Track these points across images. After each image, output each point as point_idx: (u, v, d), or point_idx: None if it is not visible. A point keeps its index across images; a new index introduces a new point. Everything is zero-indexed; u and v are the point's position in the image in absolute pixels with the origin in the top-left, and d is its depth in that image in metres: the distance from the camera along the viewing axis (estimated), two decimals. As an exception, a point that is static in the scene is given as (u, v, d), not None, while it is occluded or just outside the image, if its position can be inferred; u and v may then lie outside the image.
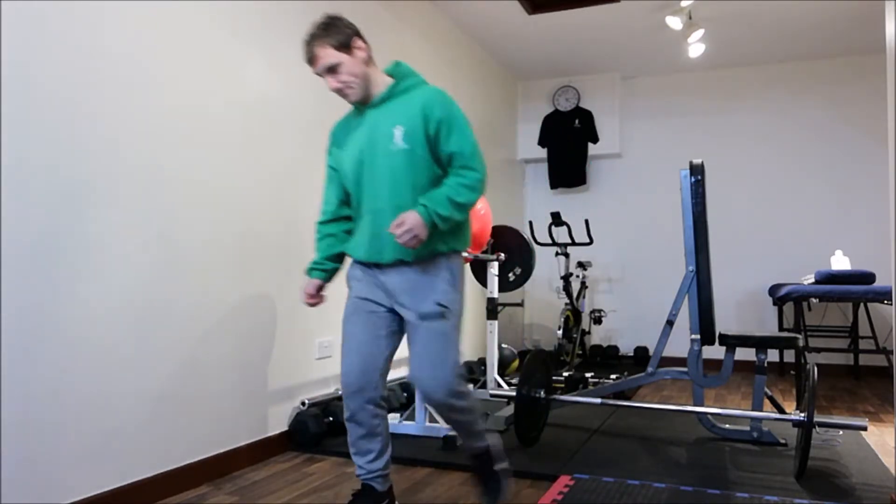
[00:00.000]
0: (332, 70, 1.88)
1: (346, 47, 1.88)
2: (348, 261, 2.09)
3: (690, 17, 4.64)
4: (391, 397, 3.54)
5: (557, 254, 5.34)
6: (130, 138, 2.26)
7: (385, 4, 3.90)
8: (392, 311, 1.98)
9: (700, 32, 4.70)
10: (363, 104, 1.96)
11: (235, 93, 2.74)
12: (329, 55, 1.86)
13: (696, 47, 4.96)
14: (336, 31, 1.87)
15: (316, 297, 2.07)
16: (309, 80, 3.21)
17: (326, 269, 2.07)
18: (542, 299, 6.31)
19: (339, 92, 1.90)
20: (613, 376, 4.40)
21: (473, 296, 5.15)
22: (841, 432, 3.27)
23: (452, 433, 2.96)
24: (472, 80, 5.22)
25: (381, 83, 1.96)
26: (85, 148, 2.09)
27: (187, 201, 2.49)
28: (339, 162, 2.01)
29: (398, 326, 2.00)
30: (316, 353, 3.23)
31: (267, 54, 2.93)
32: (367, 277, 1.99)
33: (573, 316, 5.28)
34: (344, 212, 2.06)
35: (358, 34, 1.92)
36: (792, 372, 5.42)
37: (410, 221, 1.77)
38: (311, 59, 1.88)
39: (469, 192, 1.87)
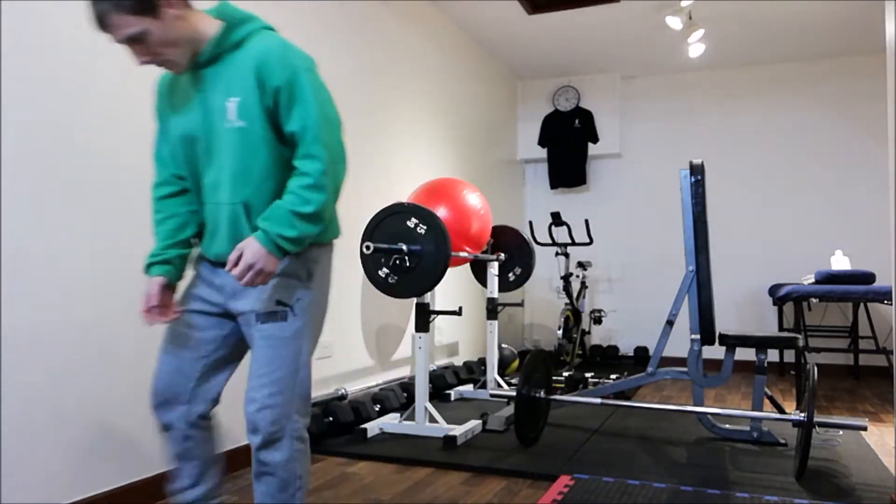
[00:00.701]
0: (135, 40, 1.38)
1: (150, 10, 1.36)
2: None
3: (690, 17, 4.64)
4: (391, 397, 3.54)
5: (557, 254, 5.34)
6: (130, 139, 2.26)
7: (385, 4, 3.90)
8: (226, 315, 1.56)
9: (700, 32, 4.70)
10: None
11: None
12: (128, 23, 1.35)
13: (696, 47, 4.96)
14: None
15: (160, 307, 1.52)
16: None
17: (171, 260, 1.55)
18: (542, 299, 6.31)
19: (143, 63, 1.42)
20: (613, 376, 4.41)
21: (473, 296, 5.15)
22: (841, 432, 3.27)
23: (453, 433, 2.97)
24: (472, 80, 5.22)
25: (208, 32, 1.45)
26: (85, 148, 2.09)
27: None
28: (167, 128, 1.56)
29: (234, 339, 1.58)
30: (316, 353, 3.23)
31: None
32: (204, 273, 1.58)
33: (573, 316, 5.28)
34: (184, 183, 1.58)
35: None
36: (792, 372, 5.42)
37: (249, 256, 1.38)
38: (104, 27, 1.37)
39: (316, 195, 1.42)
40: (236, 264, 1.40)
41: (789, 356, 5.39)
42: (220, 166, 1.48)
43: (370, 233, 3.10)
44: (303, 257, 1.52)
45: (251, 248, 1.39)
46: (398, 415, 3.39)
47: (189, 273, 1.61)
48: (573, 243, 5.39)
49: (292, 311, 1.49)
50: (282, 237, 1.40)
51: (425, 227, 2.98)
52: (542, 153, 6.20)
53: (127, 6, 1.34)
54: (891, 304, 4.53)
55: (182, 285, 1.61)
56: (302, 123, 1.43)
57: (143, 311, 1.51)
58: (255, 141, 1.45)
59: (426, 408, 3.18)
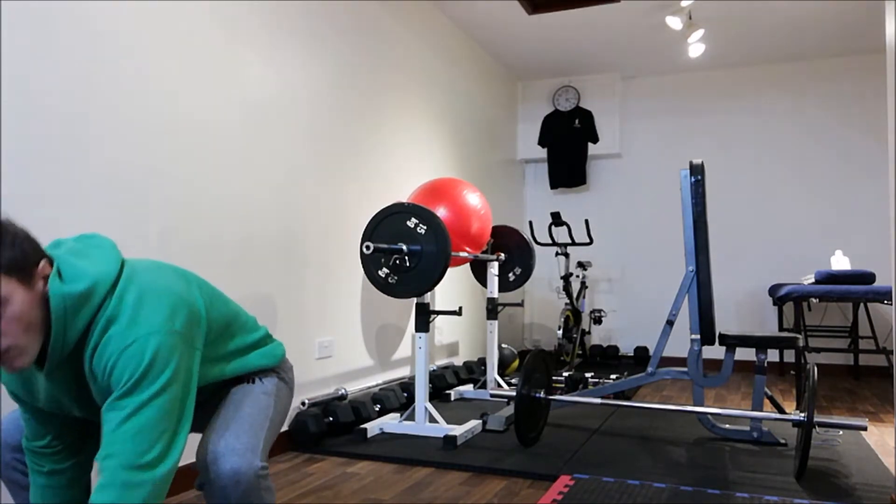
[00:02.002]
0: None
1: (23, 274, 1.12)
2: None
3: (690, 17, 4.64)
4: (391, 397, 3.54)
5: (557, 254, 5.34)
6: (130, 140, 2.26)
7: (385, 4, 3.90)
8: None
9: (700, 32, 4.70)
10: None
11: (236, 95, 2.74)
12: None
13: (696, 47, 4.96)
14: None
15: None
16: (308, 82, 3.21)
17: None
18: (542, 299, 6.31)
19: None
20: (613, 376, 4.40)
21: (473, 296, 5.15)
22: (841, 432, 3.27)
23: (453, 433, 2.97)
24: (472, 80, 5.22)
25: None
26: (84, 149, 2.09)
27: (187, 202, 2.49)
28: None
29: None
30: (316, 353, 3.23)
31: (266, 56, 2.93)
32: None
33: (573, 316, 5.28)
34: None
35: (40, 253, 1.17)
36: (792, 372, 5.42)
37: None
38: None
39: None
40: None
41: (789, 356, 5.39)
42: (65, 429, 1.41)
43: (370, 233, 3.10)
44: None
45: None
46: (398, 415, 3.39)
47: None
48: (573, 243, 5.39)
49: None
50: None
51: (425, 227, 2.98)
52: (542, 153, 6.20)
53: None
54: (891, 304, 4.53)
55: None
56: None
57: None
58: None
59: (426, 408, 3.18)
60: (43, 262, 1.15)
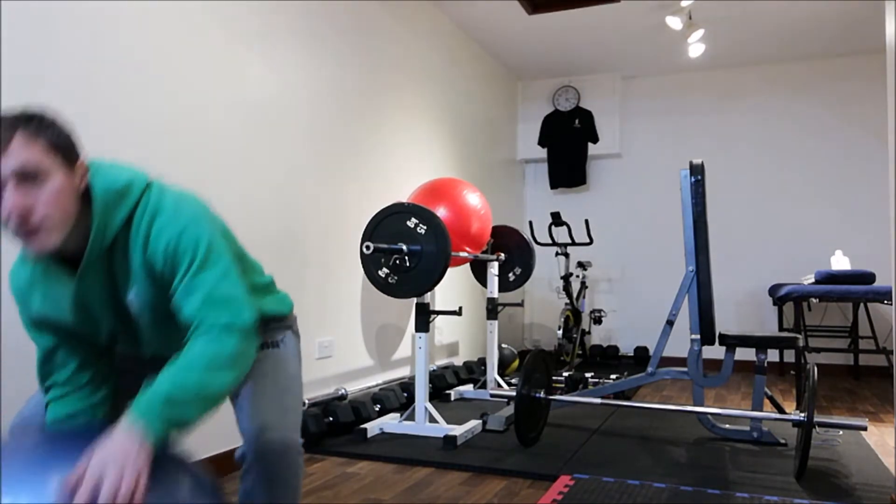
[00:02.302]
0: (25, 178, 1.07)
1: (68, 152, 1.13)
2: None
3: (690, 17, 4.64)
4: (391, 397, 3.54)
5: (557, 254, 5.34)
6: (130, 140, 2.26)
7: (385, 5, 3.90)
8: None
9: (700, 32, 4.70)
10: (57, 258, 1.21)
11: (236, 95, 2.74)
12: (30, 154, 1.07)
13: (696, 47, 4.96)
14: (54, 130, 1.12)
15: None
16: (308, 82, 3.21)
17: None
18: (542, 299, 6.31)
19: (17, 224, 1.08)
20: (613, 376, 4.40)
21: (473, 296, 5.15)
22: (841, 432, 3.27)
23: (453, 433, 2.97)
24: (472, 80, 5.22)
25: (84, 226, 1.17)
26: (84, 150, 2.09)
27: (187, 201, 2.49)
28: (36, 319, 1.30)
29: None
30: (316, 353, 3.23)
31: (266, 57, 2.93)
32: None
33: (573, 316, 5.28)
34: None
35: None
36: (792, 372, 5.42)
37: None
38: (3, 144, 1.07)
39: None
40: None
41: (789, 356, 5.39)
42: (136, 348, 1.38)
43: (370, 233, 3.10)
44: None
45: None
46: (398, 415, 3.39)
47: None
48: (573, 243, 5.39)
49: None
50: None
51: (425, 227, 2.98)
52: (542, 153, 6.20)
53: (50, 139, 1.12)
54: (891, 304, 4.53)
55: None
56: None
57: None
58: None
59: (426, 408, 3.18)
60: (83, 159, 1.17)
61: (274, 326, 1.56)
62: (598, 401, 3.10)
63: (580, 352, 5.58)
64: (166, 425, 1.06)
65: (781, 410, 2.96)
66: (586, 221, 5.38)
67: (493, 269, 4.15)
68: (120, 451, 0.99)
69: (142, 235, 1.20)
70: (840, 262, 4.69)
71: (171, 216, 1.21)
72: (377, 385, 3.67)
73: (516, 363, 4.99)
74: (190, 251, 1.20)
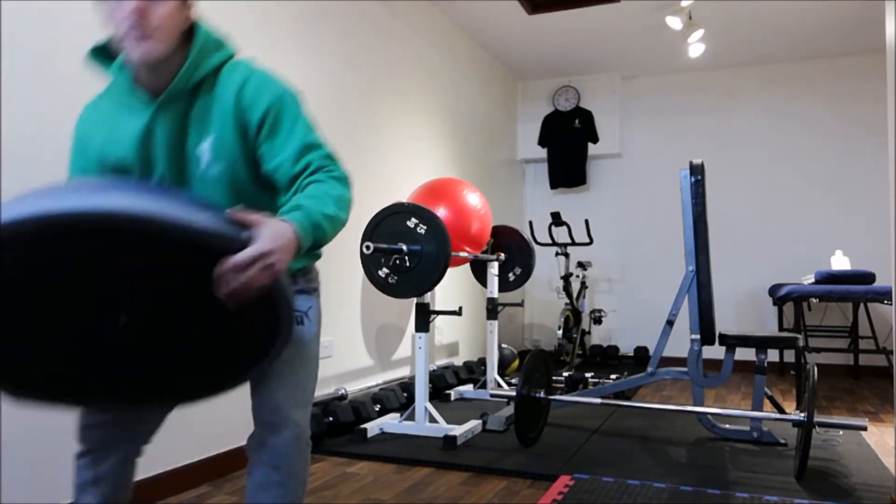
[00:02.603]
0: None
1: None
2: None
3: (690, 17, 4.64)
4: (391, 397, 3.54)
5: (557, 254, 5.34)
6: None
7: (385, 4, 3.90)
8: None
9: (700, 32, 4.70)
10: (131, 77, 1.22)
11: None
12: None
13: (696, 47, 4.96)
14: None
15: None
16: (307, 82, 3.21)
17: None
18: (542, 299, 6.31)
19: (132, 26, 1.12)
20: (613, 376, 4.40)
21: (473, 296, 5.15)
22: (841, 432, 3.27)
23: (453, 433, 2.97)
24: (472, 80, 5.22)
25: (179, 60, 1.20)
26: (85, 148, 2.09)
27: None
28: (88, 158, 1.28)
29: None
30: (316, 353, 3.23)
31: (266, 57, 2.93)
32: None
33: (573, 316, 5.28)
34: None
35: None
36: (792, 372, 5.41)
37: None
38: None
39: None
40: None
41: (789, 356, 5.39)
42: None
43: (370, 233, 3.10)
44: None
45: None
46: (398, 415, 3.39)
47: None
48: (573, 243, 5.39)
49: None
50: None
51: (425, 227, 2.98)
52: (542, 153, 6.20)
53: None
54: (891, 304, 4.53)
55: None
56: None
57: None
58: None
59: (426, 408, 3.18)
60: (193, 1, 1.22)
61: (301, 287, 1.43)
62: (598, 401, 3.10)
63: (580, 352, 5.58)
64: (311, 240, 1.13)
65: (781, 410, 2.97)
66: (586, 221, 5.38)
67: (493, 269, 4.15)
68: (286, 238, 1.05)
69: (235, 86, 1.22)
70: (840, 262, 4.69)
71: (271, 80, 1.25)
72: (377, 385, 3.67)
73: (516, 363, 4.99)
74: (293, 112, 1.24)
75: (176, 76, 1.18)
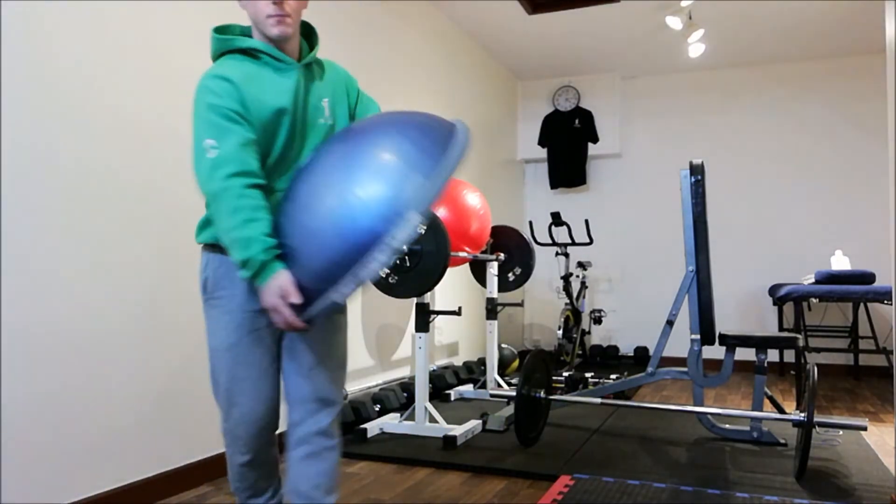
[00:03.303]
0: None
1: None
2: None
3: (690, 17, 4.64)
4: (391, 397, 3.54)
5: (557, 254, 5.34)
6: (130, 140, 2.26)
7: (385, 4, 3.90)
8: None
9: (700, 32, 4.70)
10: (275, 55, 1.52)
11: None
12: None
13: (696, 47, 4.96)
14: None
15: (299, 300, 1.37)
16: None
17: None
18: (542, 299, 6.31)
19: (279, 10, 1.47)
20: (613, 376, 4.40)
21: (473, 296, 5.15)
22: (841, 432, 3.27)
23: (453, 433, 2.97)
24: (472, 80, 5.22)
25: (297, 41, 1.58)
26: (85, 150, 2.09)
27: (187, 202, 2.49)
28: (253, 117, 1.47)
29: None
30: (316, 353, 3.23)
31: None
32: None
33: (573, 316, 5.27)
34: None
35: None
36: (792, 372, 5.42)
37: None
38: None
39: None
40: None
41: (789, 356, 5.39)
42: (295, 156, 1.53)
43: (370, 233, 3.09)
44: None
45: None
46: (398, 415, 3.39)
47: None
48: (573, 243, 5.39)
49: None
50: None
51: (425, 227, 2.97)
52: (542, 153, 6.20)
53: None
54: (891, 304, 4.53)
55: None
56: None
57: (287, 312, 1.35)
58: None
59: (426, 408, 3.18)
60: None
61: None
62: (598, 401, 3.10)
63: (580, 352, 5.58)
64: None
65: (781, 410, 2.96)
66: (586, 221, 5.38)
67: (493, 269, 4.15)
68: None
69: (341, 69, 1.71)
70: (840, 262, 4.69)
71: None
72: (377, 385, 3.67)
73: (516, 363, 4.99)
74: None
75: (303, 50, 1.60)
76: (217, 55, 1.54)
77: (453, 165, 1.36)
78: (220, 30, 1.56)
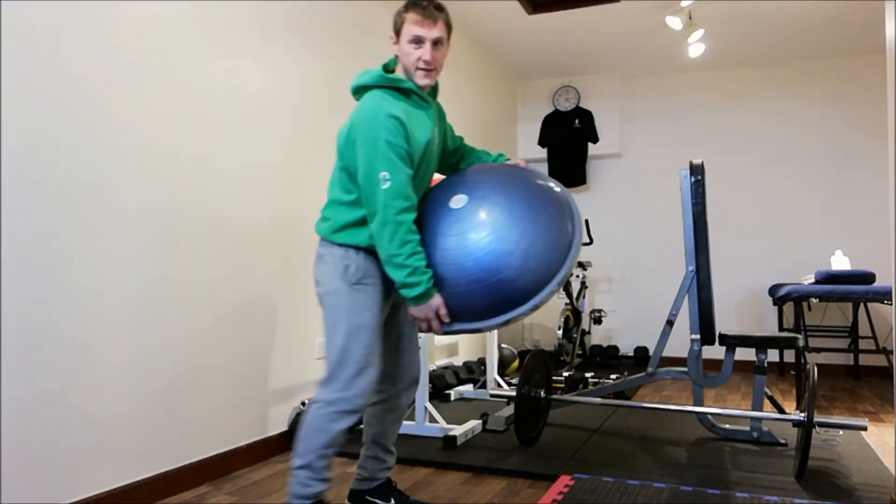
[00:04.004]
0: (437, 43, 1.88)
1: (449, 34, 1.93)
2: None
3: (690, 17, 4.64)
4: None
5: (557, 254, 5.33)
6: (129, 140, 2.26)
7: (385, 4, 3.90)
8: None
9: (700, 32, 4.70)
10: (422, 95, 1.92)
11: (234, 94, 2.74)
12: (443, 30, 1.89)
13: (696, 47, 4.96)
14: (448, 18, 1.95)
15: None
16: (308, 81, 3.21)
17: None
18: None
19: (427, 66, 1.87)
20: (613, 376, 4.40)
21: (473, 296, 5.14)
22: (841, 432, 3.27)
23: (453, 433, 2.97)
24: (472, 80, 5.22)
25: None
26: (84, 149, 2.09)
27: (187, 202, 2.49)
28: (413, 151, 1.85)
29: None
30: (316, 353, 3.23)
31: (266, 57, 2.93)
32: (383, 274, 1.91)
33: (573, 316, 5.27)
34: None
35: None
36: (792, 372, 5.42)
37: None
38: (432, 22, 1.86)
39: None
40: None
41: (789, 356, 5.39)
42: (424, 175, 1.93)
43: (370, 233, 3.09)
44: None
45: None
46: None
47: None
48: (573, 243, 5.37)
49: None
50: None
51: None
52: (542, 153, 6.20)
53: (447, 22, 1.91)
54: (891, 304, 4.53)
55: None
56: None
57: (437, 325, 1.82)
58: None
59: (426, 408, 3.18)
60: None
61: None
62: (598, 401, 3.10)
63: (580, 352, 5.58)
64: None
65: (781, 410, 2.96)
66: (586, 221, 5.38)
67: (493, 269, 4.14)
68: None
69: (437, 101, 2.06)
70: (840, 262, 4.69)
71: None
72: (377, 385, 3.67)
73: (516, 363, 4.99)
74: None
75: (432, 92, 2.00)
76: (369, 87, 1.89)
77: (576, 254, 1.82)
78: (386, 68, 1.91)
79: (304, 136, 3.17)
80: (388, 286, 1.92)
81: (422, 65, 1.86)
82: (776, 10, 4.61)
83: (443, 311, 1.80)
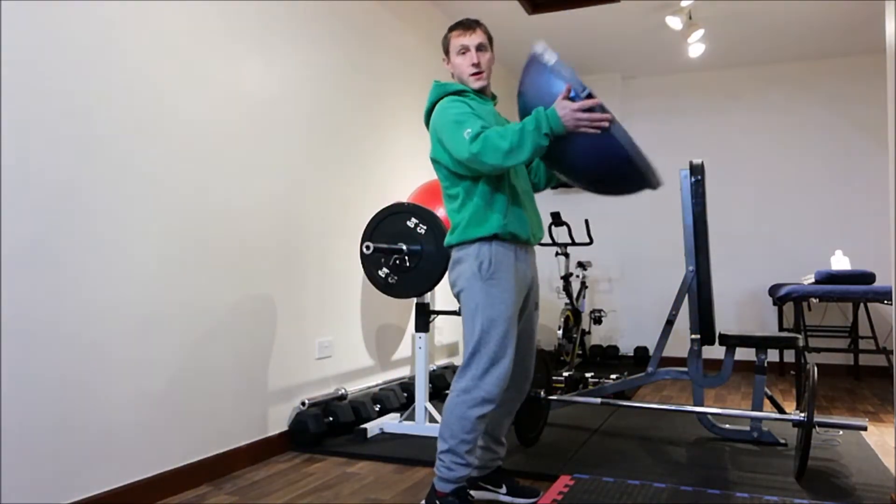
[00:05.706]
0: (480, 48, 2.11)
1: (491, 43, 2.18)
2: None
3: (690, 17, 4.64)
4: (391, 397, 3.54)
5: (557, 254, 5.34)
6: (130, 140, 2.26)
7: (385, 4, 3.90)
8: None
9: (700, 32, 4.70)
10: (484, 95, 2.16)
11: (234, 94, 2.74)
12: (483, 37, 2.12)
13: (696, 47, 4.96)
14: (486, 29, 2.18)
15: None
16: (308, 81, 3.21)
17: None
18: (542, 299, 6.31)
19: (476, 69, 2.10)
20: (613, 376, 4.40)
21: (473, 296, 5.14)
22: (841, 432, 3.27)
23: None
24: (472, 80, 5.21)
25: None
26: (85, 150, 2.09)
27: (187, 202, 2.49)
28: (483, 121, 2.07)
29: None
30: (316, 352, 3.23)
31: (265, 58, 2.93)
32: (522, 265, 2.08)
33: (573, 316, 5.27)
34: None
35: None
36: (792, 372, 5.42)
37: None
38: (472, 31, 2.11)
39: None
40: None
41: (789, 356, 5.39)
42: (523, 167, 2.21)
43: (370, 233, 3.09)
44: None
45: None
46: (398, 415, 3.39)
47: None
48: (573, 243, 5.38)
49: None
50: None
51: (425, 227, 2.97)
52: (542, 153, 6.19)
53: (485, 31, 2.15)
54: (891, 304, 4.53)
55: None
56: None
57: (596, 113, 1.95)
58: None
59: (426, 408, 3.18)
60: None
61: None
62: (598, 401, 3.10)
63: (580, 352, 5.58)
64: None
65: (781, 410, 2.96)
66: (586, 221, 5.38)
67: (493, 269, 4.14)
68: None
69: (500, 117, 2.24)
70: (840, 262, 4.69)
71: None
72: (377, 385, 3.67)
73: (516, 363, 4.97)
74: None
75: (491, 94, 2.22)
76: (437, 99, 2.11)
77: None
78: (440, 83, 2.15)
79: (304, 138, 3.17)
80: (521, 278, 2.07)
81: (471, 69, 2.10)
82: (776, 10, 4.61)
83: (575, 105, 1.89)
